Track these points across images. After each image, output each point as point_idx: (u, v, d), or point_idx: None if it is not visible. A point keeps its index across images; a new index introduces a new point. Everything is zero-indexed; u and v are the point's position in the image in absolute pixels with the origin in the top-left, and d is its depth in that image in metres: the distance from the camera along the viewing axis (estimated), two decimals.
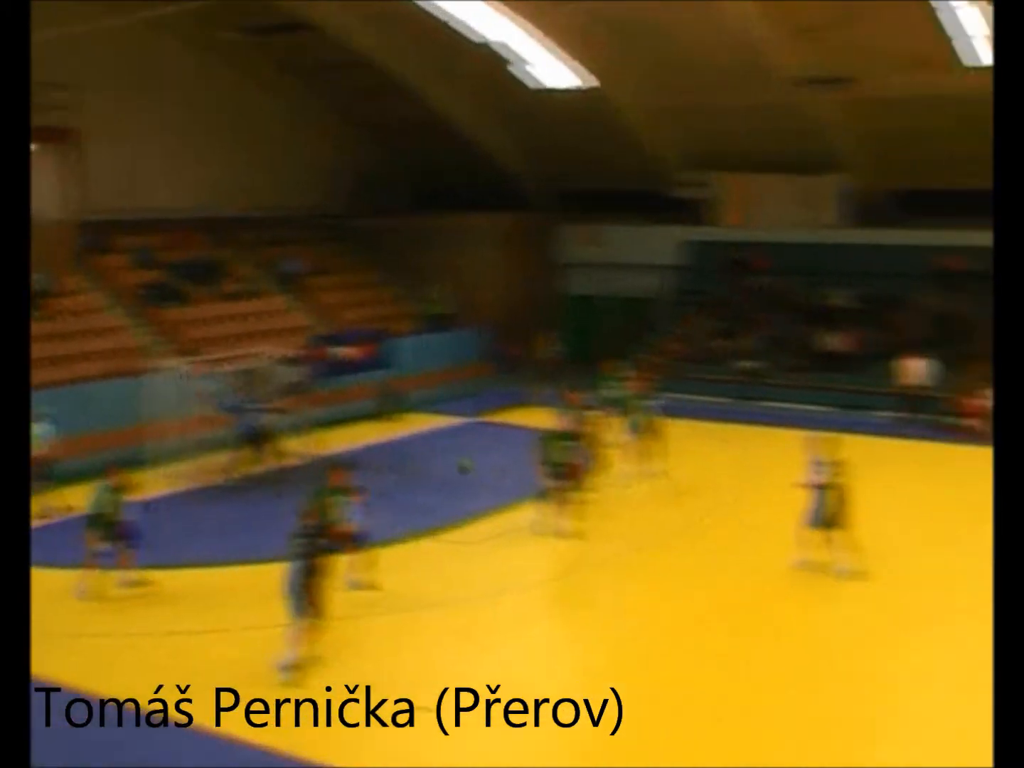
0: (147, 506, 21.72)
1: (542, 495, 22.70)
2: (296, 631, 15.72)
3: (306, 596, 15.67)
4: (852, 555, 19.60)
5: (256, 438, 27.28)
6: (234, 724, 14.21)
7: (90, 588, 18.92)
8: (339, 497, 18.55)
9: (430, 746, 13.85)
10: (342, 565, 18.10)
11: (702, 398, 35.03)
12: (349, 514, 18.51)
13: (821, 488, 19.76)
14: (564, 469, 22.64)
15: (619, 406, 27.72)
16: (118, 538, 19.18)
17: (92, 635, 17.28)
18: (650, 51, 35.47)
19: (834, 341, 36.56)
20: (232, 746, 13.77)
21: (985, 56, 30.74)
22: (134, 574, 19.36)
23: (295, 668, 15.53)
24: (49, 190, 32.73)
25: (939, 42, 30.66)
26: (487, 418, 33.79)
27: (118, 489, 19.50)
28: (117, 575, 19.25)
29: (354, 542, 18.60)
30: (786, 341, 37.61)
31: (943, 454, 29.64)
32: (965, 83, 32.34)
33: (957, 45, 30.44)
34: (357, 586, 18.88)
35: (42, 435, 23.19)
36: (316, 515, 16.50)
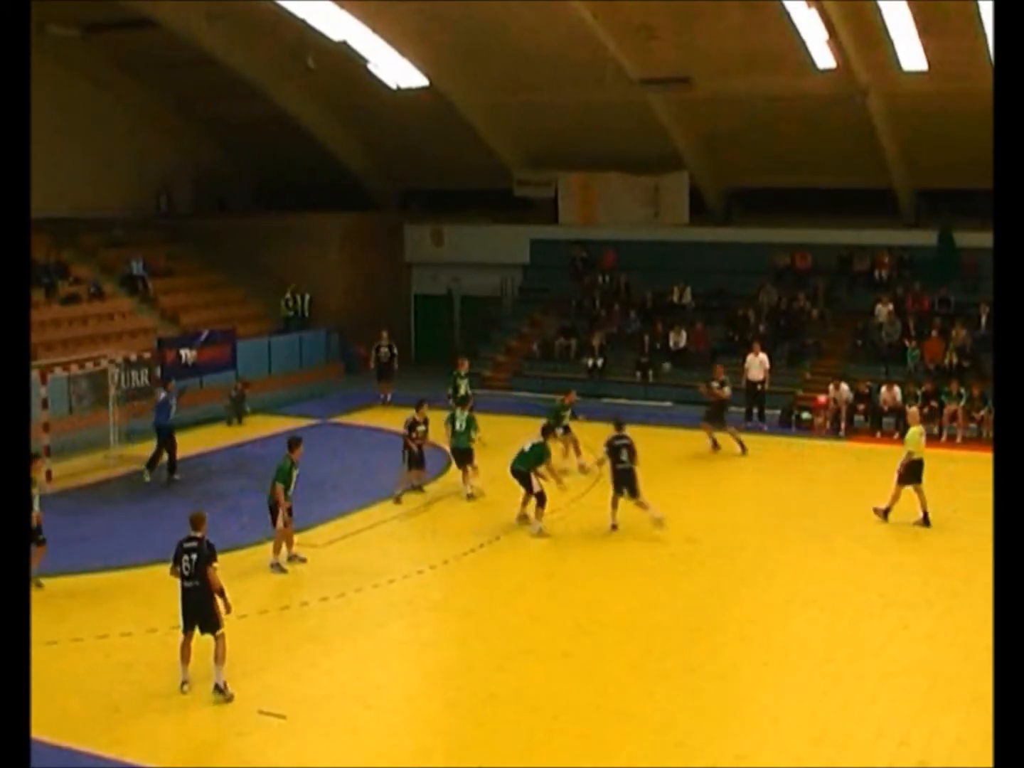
0: None
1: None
2: (187, 646, 15.27)
3: (211, 606, 15.06)
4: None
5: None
6: (88, 737, 13.99)
7: None
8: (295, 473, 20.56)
9: (283, 750, 13.79)
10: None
11: (548, 396, 35.10)
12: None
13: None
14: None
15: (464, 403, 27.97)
16: None
17: None
18: (488, 49, 35.58)
19: (678, 338, 37.03)
20: (87, 757, 13.54)
21: (824, 59, 31.39)
22: None
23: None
24: None
25: (781, 44, 31.23)
26: (335, 420, 33.58)
27: None
28: None
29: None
30: (631, 338, 37.99)
31: (787, 448, 30.19)
32: (805, 84, 33.08)
33: (799, 46, 30.98)
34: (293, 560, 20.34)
35: None
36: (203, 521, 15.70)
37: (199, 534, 15.27)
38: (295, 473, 20.49)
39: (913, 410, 25.13)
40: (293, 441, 21.10)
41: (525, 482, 23.05)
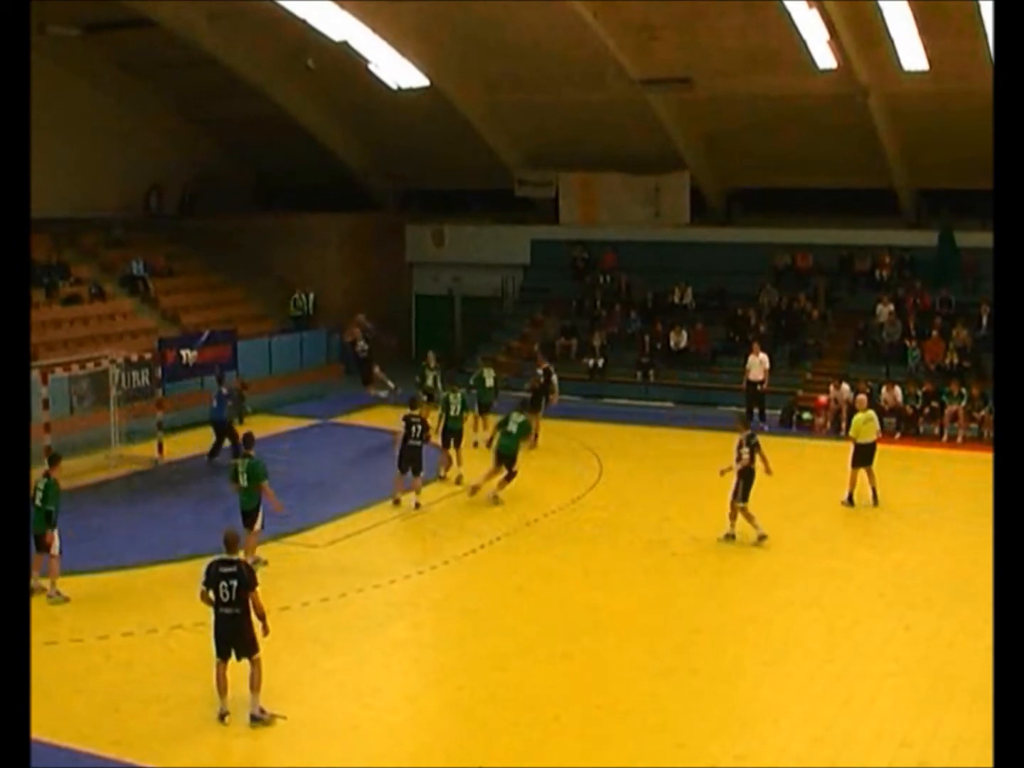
0: None
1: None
2: (223, 674, 14.47)
3: (249, 632, 14.32)
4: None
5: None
6: (89, 736, 13.99)
7: None
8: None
9: (282, 751, 13.82)
10: None
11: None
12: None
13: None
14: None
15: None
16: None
17: None
18: (489, 49, 35.58)
19: (679, 338, 37.02)
20: (87, 757, 13.53)
21: (824, 59, 31.38)
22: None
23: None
24: None
25: (782, 44, 31.23)
26: (335, 420, 33.59)
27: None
28: None
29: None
30: (632, 338, 37.99)
31: (788, 448, 30.14)
32: (805, 84, 33.07)
33: (799, 46, 30.97)
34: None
35: None
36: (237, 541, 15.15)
37: (235, 556, 14.58)
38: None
39: (861, 397, 26.55)
40: (50, 457, 20.10)
41: (511, 463, 23.27)
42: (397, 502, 24.32)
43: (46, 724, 13.40)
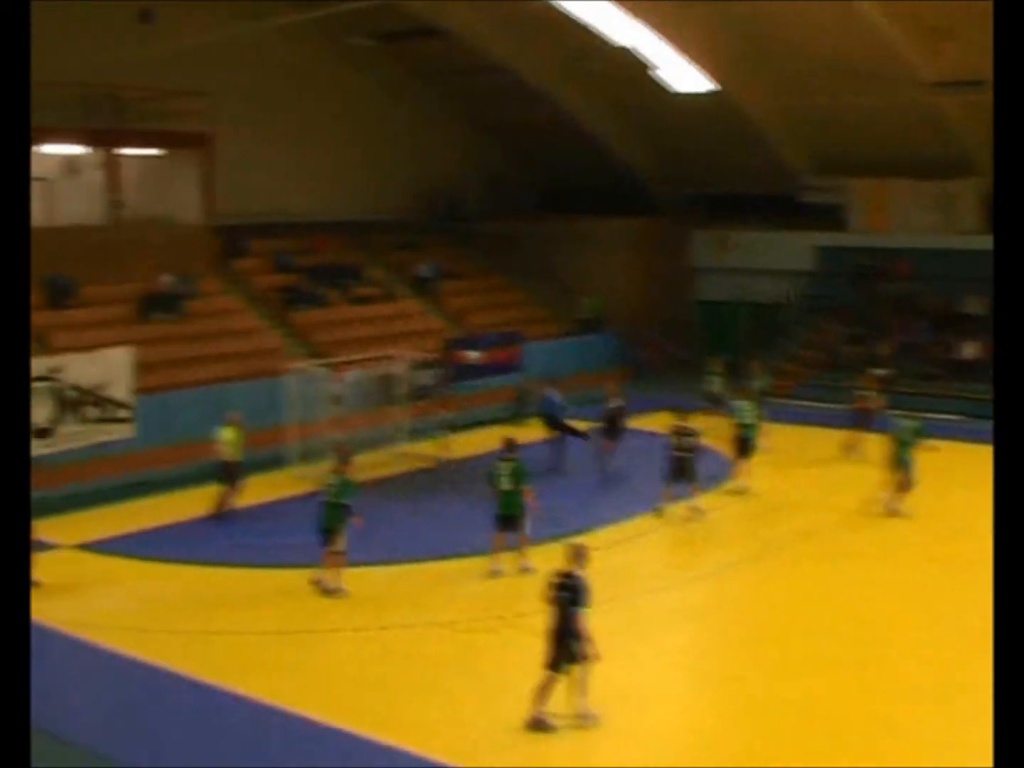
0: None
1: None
2: (550, 683, 14.42)
3: (568, 646, 14.34)
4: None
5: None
6: (366, 722, 14.41)
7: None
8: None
9: (554, 754, 13.97)
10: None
11: (834, 406, 34.64)
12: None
13: None
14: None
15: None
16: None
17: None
18: (780, 54, 35.30)
19: (968, 349, 36.01)
20: (365, 742, 13.98)
21: None
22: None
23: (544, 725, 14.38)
24: (188, 195, 33.46)
25: None
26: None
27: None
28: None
29: None
30: (919, 348, 37.13)
31: None
32: None
33: None
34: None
35: (233, 439, 24.05)
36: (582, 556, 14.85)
37: (575, 571, 14.52)
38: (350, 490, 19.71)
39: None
40: (342, 453, 20.45)
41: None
42: (660, 512, 24.12)
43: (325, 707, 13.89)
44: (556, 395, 28.73)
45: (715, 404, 28.81)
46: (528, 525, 20.30)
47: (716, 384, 30.41)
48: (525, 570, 19.98)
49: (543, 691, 14.22)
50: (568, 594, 14.19)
